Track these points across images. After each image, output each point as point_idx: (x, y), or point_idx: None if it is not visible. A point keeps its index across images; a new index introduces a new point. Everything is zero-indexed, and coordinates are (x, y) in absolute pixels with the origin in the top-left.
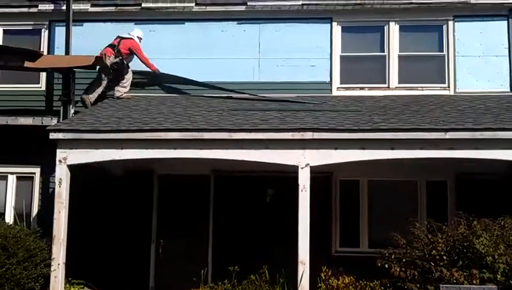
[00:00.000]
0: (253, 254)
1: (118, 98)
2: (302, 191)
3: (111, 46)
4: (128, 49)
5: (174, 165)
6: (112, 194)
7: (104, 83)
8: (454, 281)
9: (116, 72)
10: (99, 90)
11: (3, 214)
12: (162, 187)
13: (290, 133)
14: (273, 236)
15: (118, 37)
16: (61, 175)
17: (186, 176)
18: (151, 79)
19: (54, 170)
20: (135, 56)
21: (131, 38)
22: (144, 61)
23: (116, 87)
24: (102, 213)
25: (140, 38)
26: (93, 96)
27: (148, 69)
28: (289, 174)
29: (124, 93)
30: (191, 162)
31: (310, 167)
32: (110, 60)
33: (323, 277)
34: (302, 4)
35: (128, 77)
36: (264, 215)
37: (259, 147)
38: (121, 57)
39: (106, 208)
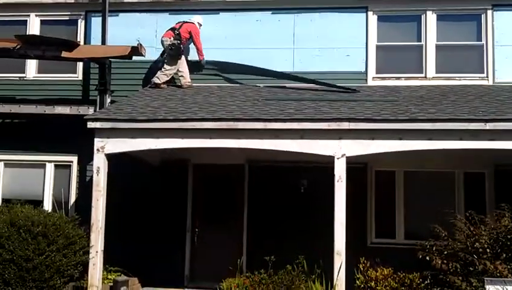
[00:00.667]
0: (288, 244)
1: (156, 84)
2: (338, 181)
3: (172, 29)
4: (188, 33)
5: (209, 155)
6: (147, 182)
7: (164, 64)
8: (498, 274)
9: (170, 57)
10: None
11: (42, 202)
12: (197, 176)
13: (326, 123)
14: (308, 226)
15: (180, 21)
16: (99, 164)
17: (221, 165)
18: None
19: (90, 159)
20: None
21: (193, 23)
22: (199, 47)
23: (157, 73)
24: (138, 201)
25: (200, 25)
26: (157, 79)
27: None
28: (324, 164)
29: (163, 82)
30: (225, 151)
31: (346, 157)
32: (168, 41)
33: (362, 268)
34: None
35: (176, 66)
36: (299, 206)
37: (294, 136)
38: (179, 41)
39: (142, 197)
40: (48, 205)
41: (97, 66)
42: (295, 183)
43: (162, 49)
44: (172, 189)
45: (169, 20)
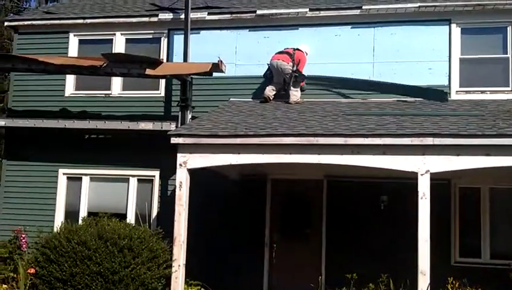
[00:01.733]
0: (368, 261)
1: (295, 102)
2: (421, 198)
3: (288, 53)
4: (298, 61)
5: (287, 170)
6: (226, 196)
7: (273, 82)
8: None
9: (293, 82)
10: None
11: (125, 215)
12: (275, 191)
13: (409, 139)
14: (388, 244)
15: (291, 47)
16: (182, 178)
17: (299, 180)
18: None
19: (172, 173)
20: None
21: (302, 52)
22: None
23: (266, 90)
24: (216, 215)
25: (306, 54)
26: (267, 95)
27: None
28: (406, 180)
29: (269, 97)
30: (304, 166)
31: (430, 173)
32: (287, 66)
33: (450, 288)
34: (419, 6)
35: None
36: (379, 222)
37: (376, 152)
38: (296, 66)
39: (220, 211)
40: (131, 218)
41: (179, 82)
42: (375, 199)
43: (267, 68)
44: (250, 203)
45: (249, 37)
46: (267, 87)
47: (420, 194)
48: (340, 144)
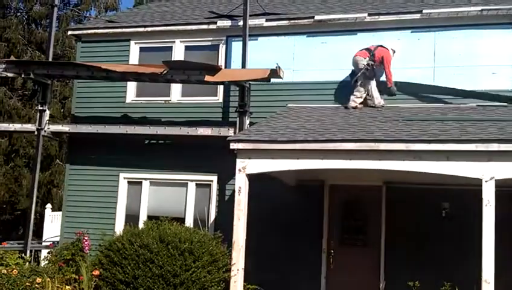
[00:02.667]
0: (428, 268)
1: (352, 107)
2: (486, 205)
3: (367, 49)
4: (380, 58)
5: (345, 176)
6: (283, 202)
7: (357, 86)
8: None
9: (364, 77)
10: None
11: (184, 219)
12: (333, 197)
13: (474, 144)
14: (450, 252)
15: (375, 45)
16: (241, 183)
17: (358, 186)
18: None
19: (229, 178)
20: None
21: (387, 49)
22: (388, 75)
23: (351, 97)
24: (273, 220)
25: (393, 51)
26: (353, 102)
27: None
28: (468, 187)
29: (359, 104)
30: (363, 172)
31: (495, 180)
32: (364, 61)
33: None
34: (482, 9)
35: (368, 87)
36: (440, 230)
37: (438, 158)
38: (372, 62)
39: (277, 216)
40: (189, 222)
41: (236, 88)
42: (436, 206)
43: (351, 69)
44: (307, 209)
45: (306, 43)
46: (351, 97)
47: (485, 201)
48: (402, 150)
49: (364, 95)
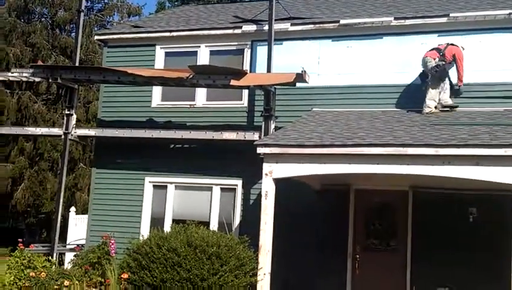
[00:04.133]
0: (456, 274)
1: (430, 113)
2: None
3: (437, 49)
4: (452, 56)
5: (371, 180)
6: (308, 206)
7: (429, 88)
8: None
9: (434, 78)
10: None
11: (209, 223)
12: (358, 202)
13: (503, 149)
14: (478, 258)
15: (444, 43)
16: (267, 188)
17: (384, 191)
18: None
19: (254, 182)
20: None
21: (457, 46)
22: (461, 72)
23: (426, 101)
24: (298, 224)
25: (463, 48)
26: (427, 108)
27: None
28: (496, 192)
29: (434, 107)
30: (390, 177)
31: None
32: (433, 62)
33: None
34: (510, 13)
35: (440, 88)
36: (468, 235)
37: (468, 163)
38: (443, 62)
39: (302, 220)
40: (214, 226)
41: (261, 92)
42: (463, 211)
43: (422, 69)
44: (332, 213)
45: (332, 47)
46: (426, 101)
47: None
48: (431, 155)
49: (437, 98)
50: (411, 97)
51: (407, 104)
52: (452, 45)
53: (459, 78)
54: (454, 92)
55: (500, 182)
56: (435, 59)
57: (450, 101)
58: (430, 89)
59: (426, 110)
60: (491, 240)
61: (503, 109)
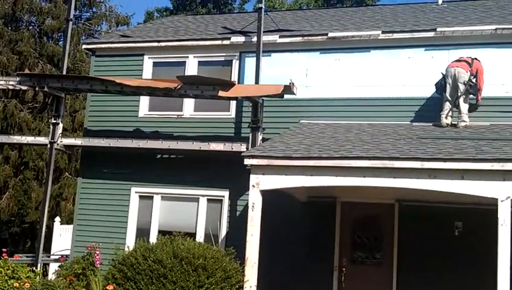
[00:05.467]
0: (440, 287)
1: (463, 127)
2: (501, 225)
3: (466, 62)
4: (475, 71)
5: (358, 193)
6: (293, 218)
7: (461, 102)
8: None
9: (467, 93)
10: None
11: (195, 234)
12: (345, 214)
13: (489, 164)
14: (463, 272)
15: (470, 57)
16: (254, 199)
17: (369, 204)
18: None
19: (241, 194)
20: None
21: (479, 61)
22: (480, 87)
23: (461, 115)
24: (284, 236)
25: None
26: (465, 120)
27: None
28: (481, 206)
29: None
30: (376, 190)
31: (511, 200)
32: (466, 76)
33: None
34: (496, 28)
35: (457, 105)
36: (453, 249)
37: (453, 177)
38: (472, 77)
39: (288, 231)
40: (200, 237)
41: (249, 104)
42: (448, 225)
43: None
44: (319, 225)
45: (320, 59)
46: (443, 113)
47: (500, 221)
48: (417, 168)
49: (451, 112)
50: (399, 111)
51: (395, 118)
52: (476, 59)
53: (478, 94)
54: (473, 107)
55: (486, 196)
56: (467, 72)
57: (467, 121)
58: (463, 103)
59: (462, 124)
60: (477, 254)
61: (489, 123)
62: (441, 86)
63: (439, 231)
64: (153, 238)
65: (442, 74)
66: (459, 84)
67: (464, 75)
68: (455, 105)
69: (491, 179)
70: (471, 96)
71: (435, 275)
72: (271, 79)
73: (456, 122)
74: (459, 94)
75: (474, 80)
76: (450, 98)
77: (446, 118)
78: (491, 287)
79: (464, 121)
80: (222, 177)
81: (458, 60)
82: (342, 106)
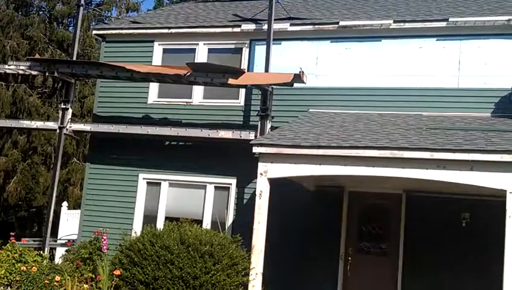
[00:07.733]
0: (447, 278)
1: None
2: (510, 217)
3: None
4: None
5: (365, 182)
6: (301, 207)
7: None
8: None
9: None
10: None
11: (202, 221)
12: (352, 204)
13: (499, 155)
14: (469, 262)
15: None
16: (262, 187)
17: (377, 193)
18: None
19: (248, 182)
20: None
21: None
22: None
23: None
24: (291, 225)
25: None
26: None
27: None
28: (491, 197)
29: None
30: (383, 180)
31: None
32: None
33: None
34: (509, 19)
35: None
36: (460, 240)
37: (463, 168)
38: None
39: (295, 220)
40: (206, 224)
41: (258, 92)
42: (456, 216)
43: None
44: (326, 214)
45: (330, 48)
46: None
47: (508, 213)
48: (426, 159)
49: None
50: (409, 101)
51: (405, 108)
52: None
53: None
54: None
55: (495, 187)
56: None
57: None
58: None
59: None
60: (484, 246)
61: (500, 114)
62: None
63: (447, 222)
64: (160, 224)
65: None
66: None
67: None
68: None
69: (500, 171)
70: None
71: (441, 266)
72: (281, 67)
73: None
74: None
75: None
76: None
77: None
78: (498, 278)
79: None
80: (230, 165)
81: None
82: (352, 96)
